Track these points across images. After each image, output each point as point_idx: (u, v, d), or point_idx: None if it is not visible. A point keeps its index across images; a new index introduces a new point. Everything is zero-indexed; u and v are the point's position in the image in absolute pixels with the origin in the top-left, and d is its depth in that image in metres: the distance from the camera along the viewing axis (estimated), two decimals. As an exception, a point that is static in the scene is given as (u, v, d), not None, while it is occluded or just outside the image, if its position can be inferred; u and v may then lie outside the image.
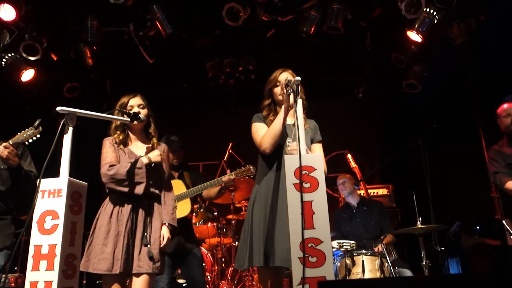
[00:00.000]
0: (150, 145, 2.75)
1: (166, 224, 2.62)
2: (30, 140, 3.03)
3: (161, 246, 2.57)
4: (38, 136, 3.00)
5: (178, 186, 3.74)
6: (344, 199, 4.64)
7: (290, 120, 2.69)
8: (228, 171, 3.88)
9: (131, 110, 2.70)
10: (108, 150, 2.67)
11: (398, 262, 3.98)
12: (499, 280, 1.38)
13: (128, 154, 2.69)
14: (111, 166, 2.58)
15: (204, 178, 3.89)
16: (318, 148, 2.78)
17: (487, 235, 4.78)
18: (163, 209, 2.67)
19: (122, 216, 2.56)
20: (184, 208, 3.72)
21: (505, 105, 3.74)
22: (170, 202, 2.71)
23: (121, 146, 2.71)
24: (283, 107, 2.60)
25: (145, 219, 2.59)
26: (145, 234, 2.56)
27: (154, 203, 2.67)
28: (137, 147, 2.75)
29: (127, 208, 2.58)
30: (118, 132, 2.74)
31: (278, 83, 2.74)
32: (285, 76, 2.72)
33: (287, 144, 2.59)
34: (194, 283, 3.66)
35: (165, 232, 2.61)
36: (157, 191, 2.69)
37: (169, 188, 2.78)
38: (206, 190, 3.86)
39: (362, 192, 5.28)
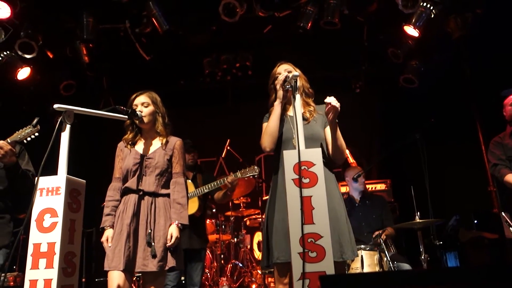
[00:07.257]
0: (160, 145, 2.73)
1: (176, 223, 2.57)
2: (28, 139, 3.01)
3: (168, 245, 2.52)
4: (36, 134, 2.99)
5: (188, 187, 3.76)
6: (348, 192, 4.59)
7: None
8: (231, 174, 3.83)
9: (136, 108, 2.70)
10: (116, 160, 2.76)
11: (396, 257, 3.98)
12: (496, 272, 1.39)
13: (133, 154, 2.71)
14: (111, 190, 2.71)
15: (214, 179, 3.90)
16: None
17: (485, 229, 4.79)
18: (171, 207, 2.62)
19: (126, 214, 2.57)
20: (191, 207, 3.73)
21: None
22: (180, 200, 2.62)
23: (129, 146, 2.74)
24: (275, 103, 2.54)
25: (148, 217, 2.58)
26: (149, 231, 2.54)
27: (159, 200, 2.63)
28: (146, 146, 2.75)
29: (131, 206, 2.58)
30: (128, 131, 2.78)
31: (278, 76, 2.61)
32: (284, 67, 2.64)
33: (294, 137, 2.51)
34: (190, 282, 3.71)
35: (173, 231, 2.54)
36: (162, 189, 2.66)
37: (180, 185, 2.68)
38: (217, 193, 3.91)
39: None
